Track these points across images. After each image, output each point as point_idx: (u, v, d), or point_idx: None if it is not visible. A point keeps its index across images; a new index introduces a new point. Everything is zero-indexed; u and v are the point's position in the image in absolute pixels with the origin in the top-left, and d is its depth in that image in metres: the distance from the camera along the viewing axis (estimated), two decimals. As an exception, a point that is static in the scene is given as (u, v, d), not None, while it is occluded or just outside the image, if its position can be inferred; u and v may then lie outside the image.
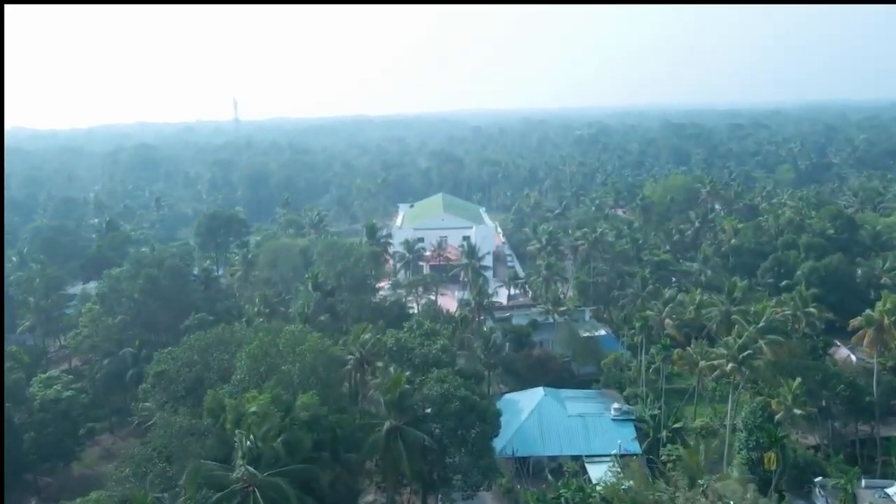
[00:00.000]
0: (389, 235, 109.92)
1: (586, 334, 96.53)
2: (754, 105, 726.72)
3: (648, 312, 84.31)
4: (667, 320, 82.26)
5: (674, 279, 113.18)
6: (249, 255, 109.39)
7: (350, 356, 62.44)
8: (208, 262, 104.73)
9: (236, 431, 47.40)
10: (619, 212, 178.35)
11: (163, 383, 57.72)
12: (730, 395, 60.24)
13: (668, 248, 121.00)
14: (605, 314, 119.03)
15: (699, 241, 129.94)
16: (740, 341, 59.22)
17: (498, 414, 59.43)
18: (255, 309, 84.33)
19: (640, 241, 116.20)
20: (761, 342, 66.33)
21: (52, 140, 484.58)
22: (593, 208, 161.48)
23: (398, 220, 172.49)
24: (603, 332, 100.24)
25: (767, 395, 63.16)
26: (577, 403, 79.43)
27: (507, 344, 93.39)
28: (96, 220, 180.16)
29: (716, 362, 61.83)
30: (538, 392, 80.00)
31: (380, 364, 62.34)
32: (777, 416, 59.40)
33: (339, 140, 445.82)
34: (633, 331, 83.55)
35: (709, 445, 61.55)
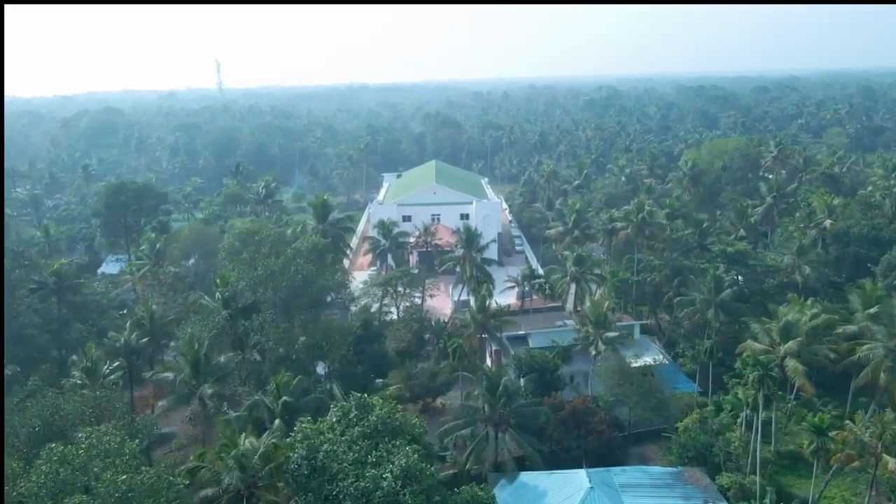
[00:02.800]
0: (349, 218, 77.44)
1: (639, 363, 65.05)
2: (764, 73, 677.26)
3: (755, 345, 52.55)
4: (790, 360, 50.45)
5: (738, 276, 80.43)
6: (158, 245, 77.53)
7: (213, 487, 30.66)
8: (69, 260, 72.81)
9: None
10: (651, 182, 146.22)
11: None
12: None
13: (742, 233, 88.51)
14: (649, 319, 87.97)
15: (772, 221, 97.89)
16: None
17: None
18: (122, 340, 52.68)
19: (706, 225, 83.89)
20: None
21: (23, 107, 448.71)
22: (623, 178, 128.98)
23: (381, 194, 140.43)
24: (663, 360, 68.71)
25: None
26: (644, 501, 48.28)
27: (523, 381, 62.22)
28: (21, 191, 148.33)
29: None
30: (579, 480, 48.59)
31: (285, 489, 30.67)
32: None
33: (329, 106, 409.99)
34: (739, 379, 51.55)
35: None
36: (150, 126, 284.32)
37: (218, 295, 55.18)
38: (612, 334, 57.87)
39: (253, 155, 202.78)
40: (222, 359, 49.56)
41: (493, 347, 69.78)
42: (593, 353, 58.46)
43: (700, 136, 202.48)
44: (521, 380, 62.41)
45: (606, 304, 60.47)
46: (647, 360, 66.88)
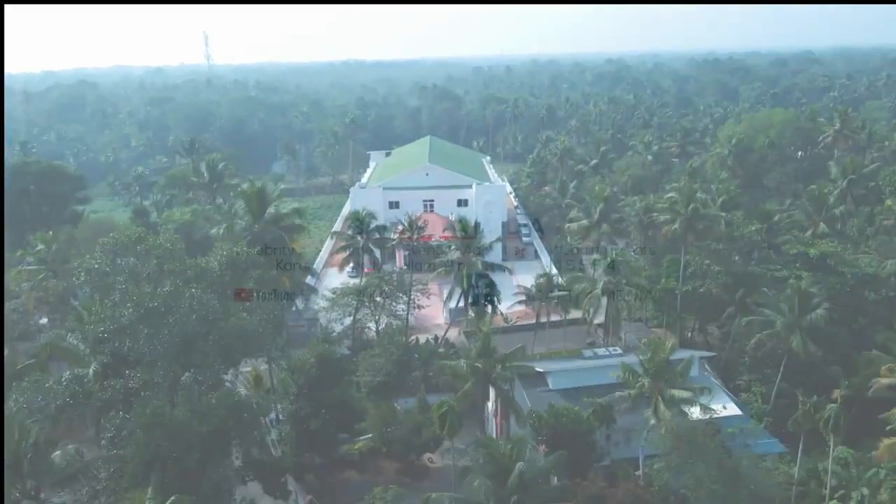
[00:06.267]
0: (296, 213, 57.49)
1: (704, 416, 45.74)
2: (774, 48, 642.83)
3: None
4: None
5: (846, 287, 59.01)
6: (55, 247, 58.28)
7: None
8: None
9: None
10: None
11: None
12: None
13: (823, 228, 68.82)
14: (693, 333, 69.59)
15: (846, 211, 78.15)
16: None
17: None
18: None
19: (777, 218, 64.46)
20: None
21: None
22: (650, 157, 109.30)
23: (365, 176, 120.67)
24: (735, 411, 49.57)
25: None
26: None
27: (543, 448, 43.22)
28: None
29: None
30: None
31: None
32: None
33: (322, 82, 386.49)
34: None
35: None
36: (127, 101, 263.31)
37: (80, 344, 35.84)
38: (682, 394, 38.40)
39: (229, 131, 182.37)
40: (61, 451, 30.39)
41: (502, 387, 50.59)
42: (652, 421, 39.08)
43: (724, 109, 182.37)
44: (541, 446, 43.62)
45: (671, 343, 40.98)
46: (715, 408, 47.72)
